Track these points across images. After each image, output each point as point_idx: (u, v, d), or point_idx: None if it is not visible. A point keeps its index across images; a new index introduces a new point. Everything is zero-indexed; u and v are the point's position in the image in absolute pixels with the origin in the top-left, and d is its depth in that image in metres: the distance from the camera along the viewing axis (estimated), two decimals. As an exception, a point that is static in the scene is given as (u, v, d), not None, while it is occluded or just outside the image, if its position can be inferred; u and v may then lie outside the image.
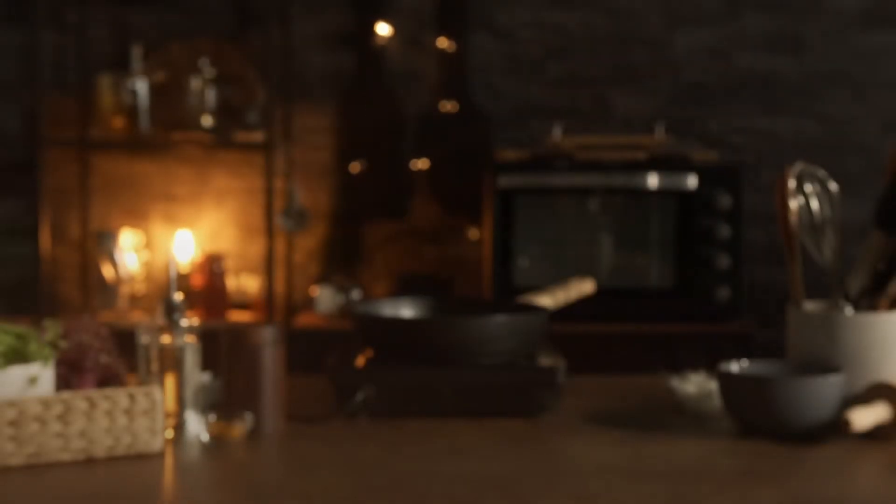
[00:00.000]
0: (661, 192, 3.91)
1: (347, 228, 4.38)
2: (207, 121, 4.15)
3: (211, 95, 4.19)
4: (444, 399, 1.83)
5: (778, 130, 4.35)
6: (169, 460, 1.61)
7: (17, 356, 1.59)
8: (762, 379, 1.70)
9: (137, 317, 4.06)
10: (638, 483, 1.48)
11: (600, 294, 2.29)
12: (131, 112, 4.14)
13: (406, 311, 2.06)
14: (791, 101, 4.35)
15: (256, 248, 4.36)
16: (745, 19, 4.35)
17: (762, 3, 4.34)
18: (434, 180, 4.34)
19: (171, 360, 1.73)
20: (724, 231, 3.86)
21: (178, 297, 1.76)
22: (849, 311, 1.84)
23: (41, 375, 1.59)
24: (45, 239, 4.11)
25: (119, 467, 1.56)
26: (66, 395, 1.57)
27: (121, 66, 4.29)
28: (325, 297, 4.07)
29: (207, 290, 4.05)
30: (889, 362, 1.79)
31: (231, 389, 1.73)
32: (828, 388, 1.70)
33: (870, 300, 1.84)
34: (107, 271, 4.20)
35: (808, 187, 1.93)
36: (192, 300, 4.06)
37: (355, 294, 4.13)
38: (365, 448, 1.66)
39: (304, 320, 4.10)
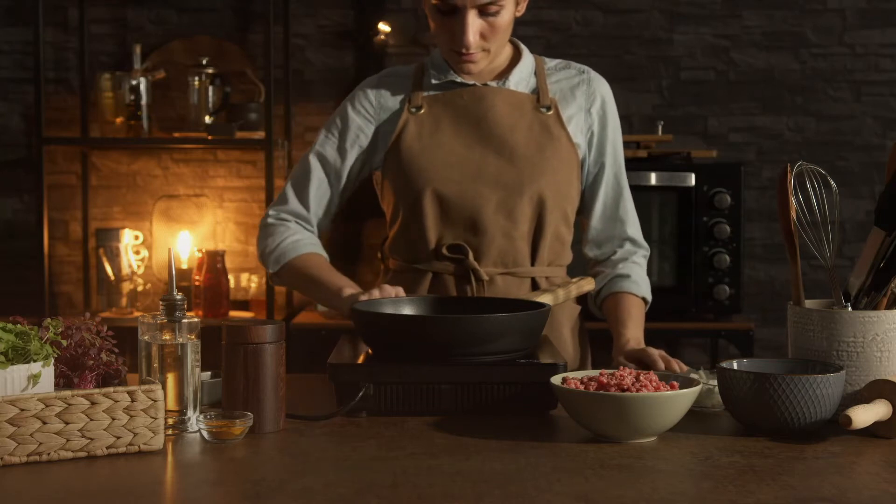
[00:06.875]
0: (661, 190, 3.91)
1: (347, 227, 4.38)
2: (207, 120, 4.15)
3: (211, 94, 4.19)
4: (444, 397, 1.83)
5: (777, 128, 4.36)
6: (170, 458, 1.61)
7: (19, 354, 1.59)
8: (762, 376, 1.70)
9: (138, 315, 4.06)
10: (638, 480, 1.49)
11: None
12: (132, 111, 4.14)
13: (407, 308, 2.06)
14: (791, 99, 4.35)
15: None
16: (745, 17, 4.36)
17: (762, 1, 4.35)
18: (434, 178, 4.34)
19: (172, 359, 1.74)
20: (724, 229, 3.86)
21: (179, 295, 1.76)
22: (849, 308, 1.84)
23: (42, 374, 1.60)
24: (45, 237, 4.11)
25: (120, 465, 1.56)
26: (66, 393, 1.58)
27: (121, 65, 4.30)
28: (325, 296, 4.06)
29: (208, 288, 4.05)
30: (889, 360, 1.79)
31: (231, 387, 1.73)
32: (828, 385, 1.70)
33: (870, 298, 1.84)
34: (107, 269, 4.20)
35: (808, 185, 1.93)
36: (193, 298, 4.07)
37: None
38: (365, 446, 1.66)
39: (304, 319, 4.10)
